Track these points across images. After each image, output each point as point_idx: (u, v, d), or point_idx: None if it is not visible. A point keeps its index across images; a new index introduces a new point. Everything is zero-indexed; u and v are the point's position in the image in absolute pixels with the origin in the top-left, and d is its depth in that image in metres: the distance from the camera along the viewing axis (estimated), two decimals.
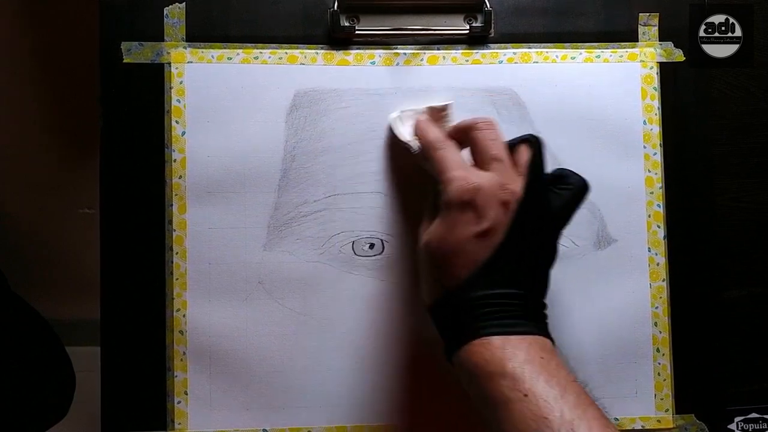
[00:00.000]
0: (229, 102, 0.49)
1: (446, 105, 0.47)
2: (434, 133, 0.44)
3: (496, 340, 0.38)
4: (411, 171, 0.48)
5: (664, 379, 0.49)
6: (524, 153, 0.42)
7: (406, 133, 0.47)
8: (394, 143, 0.48)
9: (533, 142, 0.42)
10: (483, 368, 0.37)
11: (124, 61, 0.49)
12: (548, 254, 0.42)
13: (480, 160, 0.42)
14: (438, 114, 0.47)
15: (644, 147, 0.50)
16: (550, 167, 0.43)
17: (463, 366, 0.39)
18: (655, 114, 0.50)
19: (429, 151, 0.43)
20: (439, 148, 0.43)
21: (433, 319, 0.41)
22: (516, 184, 0.40)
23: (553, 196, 0.42)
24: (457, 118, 0.47)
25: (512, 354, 0.37)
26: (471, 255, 0.39)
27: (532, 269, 0.41)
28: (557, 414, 0.34)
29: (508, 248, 0.39)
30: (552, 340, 0.40)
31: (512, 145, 0.43)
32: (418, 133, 0.46)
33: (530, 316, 0.39)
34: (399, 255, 0.49)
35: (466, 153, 0.44)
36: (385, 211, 0.49)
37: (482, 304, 0.39)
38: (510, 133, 0.49)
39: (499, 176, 0.40)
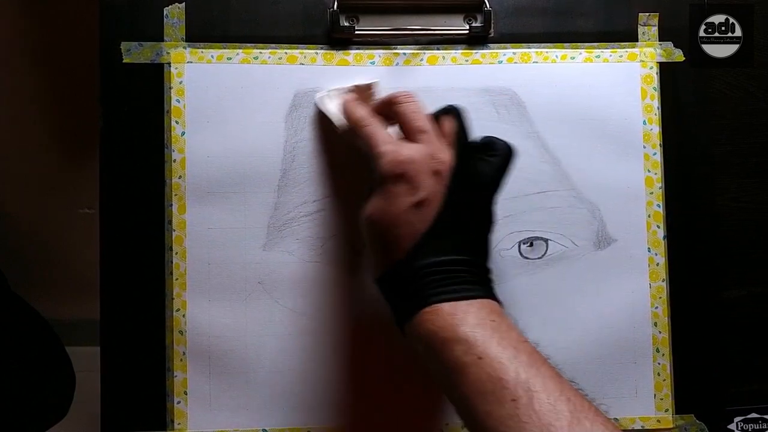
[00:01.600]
0: (229, 102, 0.49)
1: (371, 83, 0.48)
2: (360, 111, 0.45)
3: (446, 306, 0.38)
4: None
5: (664, 380, 0.49)
6: (449, 123, 0.43)
7: (333, 111, 0.47)
8: (321, 120, 0.48)
9: (456, 113, 0.43)
10: (435, 335, 0.38)
11: (124, 61, 0.49)
12: (485, 220, 0.42)
13: (407, 133, 0.43)
14: (364, 92, 0.48)
15: (644, 147, 0.50)
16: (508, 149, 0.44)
17: (416, 335, 0.39)
18: (655, 114, 0.50)
19: (357, 128, 0.44)
20: (366, 125, 0.44)
21: (382, 291, 0.42)
22: (445, 154, 0.41)
23: (482, 164, 0.42)
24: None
25: (463, 319, 0.37)
26: (411, 225, 0.40)
27: (473, 235, 0.41)
28: (512, 374, 0.35)
29: (446, 216, 0.40)
30: (500, 302, 0.40)
31: (435, 117, 0.44)
32: (344, 112, 0.46)
33: (476, 280, 0.40)
34: None
35: (394, 130, 0.45)
36: None
37: (428, 272, 0.39)
38: (510, 133, 0.49)
39: (428, 147, 0.41)
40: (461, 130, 0.43)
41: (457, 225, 0.40)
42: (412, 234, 0.40)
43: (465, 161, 0.41)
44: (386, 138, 0.42)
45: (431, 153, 0.41)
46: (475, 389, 0.35)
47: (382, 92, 0.48)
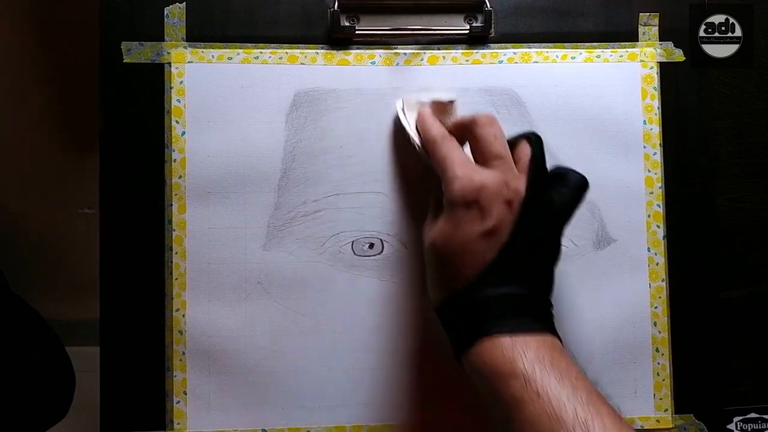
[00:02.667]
0: (230, 102, 0.49)
1: (451, 101, 0.47)
2: (437, 128, 0.44)
3: (506, 339, 0.37)
4: (410, 170, 0.49)
5: (663, 379, 0.49)
6: (525, 150, 0.42)
7: (410, 123, 0.46)
8: (398, 133, 0.48)
9: (533, 140, 0.42)
10: (493, 368, 0.37)
11: (125, 60, 0.49)
12: (552, 252, 0.42)
13: (481, 157, 0.42)
14: (442, 108, 0.47)
15: (644, 147, 0.50)
16: (549, 165, 0.43)
17: (473, 366, 0.38)
18: (655, 114, 0.50)
19: (431, 147, 0.43)
20: (441, 145, 0.42)
21: (441, 319, 0.41)
22: (519, 182, 0.40)
23: (554, 195, 0.42)
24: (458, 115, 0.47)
25: (522, 353, 0.37)
26: (477, 254, 0.39)
27: (538, 267, 0.41)
28: (571, 413, 0.34)
29: (513, 247, 0.39)
30: (560, 338, 0.40)
31: (511, 142, 0.43)
32: (420, 127, 0.45)
33: (537, 314, 0.39)
34: (399, 255, 0.49)
35: (466, 148, 0.44)
36: (385, 210, 0.49)
37: (490, 304, 0.38)
38: (510, 133, 0.49)
39: (502, 174, 0.40)
40: (537, 158, 0.41)
41: (523, 257, 0.39)
42: (477, 263, 0.39)
43: (538, 191, 0.40)
44: (460, 161, 0.41)
45: (505, 181, 0.40)
46: (532, 427, 0.35)
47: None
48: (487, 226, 0.39)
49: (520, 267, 0.39)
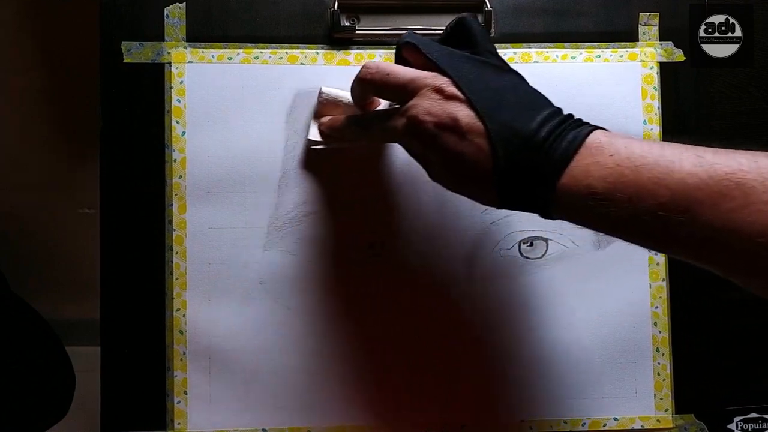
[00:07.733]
0: (230, 102, 0.49)
1: (319, 90, 0.47)
2: (347, 122, 0.45)
3: (574, 170, 0.36)
4: (409, 170, 0.48)
5: (664, 379, 0.49)
6: (413, 55, 0.42)
7: (314, 136, 0.48)
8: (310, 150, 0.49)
9: (409, 39, 0.42)
10: (581, 202, 0.35)
11: (125, 60, 0.49)
12: (514, 80, 0.41)
13: (399, 98, 0.42)
14: (329, 103, 0.47)
15: None
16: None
17: (573, 219, 0.37)
18: (656, 114, 0.50)
19: (368, 138, 0.45)
20: (369, 127, 0.44)
21: (512, 208, 0.39)
22: (438, 78, 0.40)
23: (467, 50, 0.41)
24: None
25: (594, 167, 0.35)
26: (478, 151, 0.37)
27: (524, 99, 0.39)
28: (677, 162, 0.34)
29: (491, 114, 0.38)
30: (601, 127, 0.38)
31: (401, 61, 0.43)
32: (333, 132, 0.47)
33: (562, 121, 0.38)
34: (399, 255, 0.49)
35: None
36: (384, 211, 0.49)
37: (526, 157, 0.37)
38: None
39: (426, 89, 0.39)
40: (425, 47, 0.41)
41: (507, 111, 0.38)
42: (484, 159, 0.37)
43: (456, 63, 0.40)
44: (385, 116, 0.42)
45: (432, 88, 0.39)
46: (700, 197, 0.33)
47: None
48: (459, 130, 0.38)
49: (514, 118, 0.38)
